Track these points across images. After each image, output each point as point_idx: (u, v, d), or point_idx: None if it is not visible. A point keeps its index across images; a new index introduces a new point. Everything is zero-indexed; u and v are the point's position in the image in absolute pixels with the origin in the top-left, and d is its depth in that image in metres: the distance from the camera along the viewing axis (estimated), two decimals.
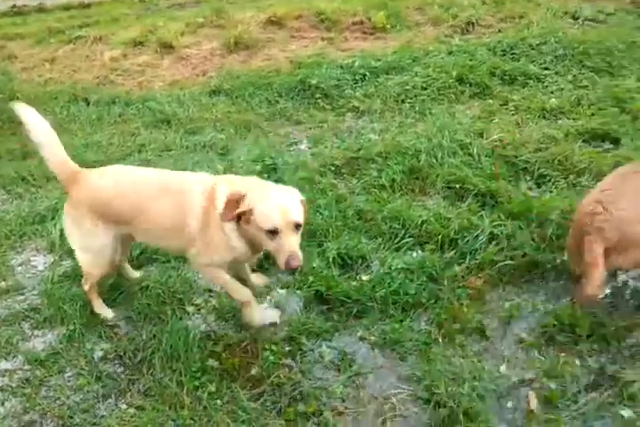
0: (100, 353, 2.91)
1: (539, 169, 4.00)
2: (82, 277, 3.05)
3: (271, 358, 2.81)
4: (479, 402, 2.51)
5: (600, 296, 2.91)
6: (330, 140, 4.85)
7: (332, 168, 4.34)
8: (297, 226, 2.48)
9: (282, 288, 3.27)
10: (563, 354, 2.73)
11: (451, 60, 5.97)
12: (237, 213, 2.52)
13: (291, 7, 8.09)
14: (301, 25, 7.90)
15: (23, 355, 2.92)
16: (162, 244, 2.97)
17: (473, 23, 7.31)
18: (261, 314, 2.99)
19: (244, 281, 3.04)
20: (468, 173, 3.97)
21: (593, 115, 4.76)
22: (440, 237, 3.44)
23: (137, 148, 5.01)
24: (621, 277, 3.13)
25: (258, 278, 3.26)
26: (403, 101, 5.35)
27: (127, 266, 3.33)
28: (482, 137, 4.45)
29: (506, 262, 3.23)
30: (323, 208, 3.82)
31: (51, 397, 2.70)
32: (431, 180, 4.02)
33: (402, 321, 2.98)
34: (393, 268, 3.27)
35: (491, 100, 5.26)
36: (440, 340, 2.86)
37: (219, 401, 2.60)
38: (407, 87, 5.53)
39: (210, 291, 3.28)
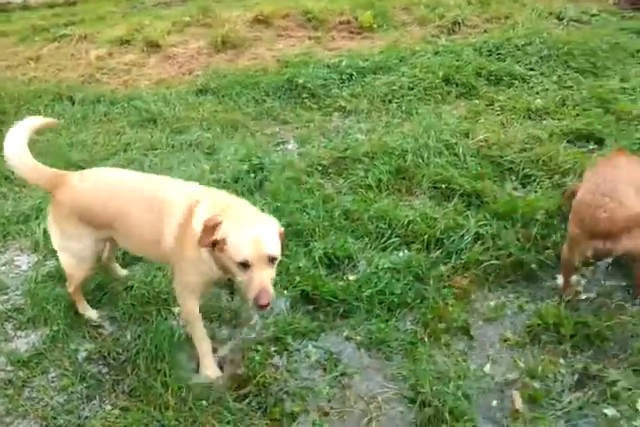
0: (85, 354, 2.88)
1: (524, 169, 4.03)
2: (66, 277, 3.01)
3: (257, 358, 2.80)
4: (464, 401, 2.52)
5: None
6: (317, 139, 4.85)
7: (319, 168, 4.34)
8: (271, 259, 2.30)
9: None
10: (547, 354, 2.75)
11: (437, 61, 6.00)
12: (212, 241, 2.35)
13: (278, 6, 8.07)
14: (288, 24, 7.88)
15: (6, 356, 2.88)
16: (141, 252, 2.90)
17: (459, 23, 7.35)
18: (214, 369, 2.77)
19: None
20: (453, 173, 3.99)
21: (577, 115, 4.81)
22: (426, 236, 3.45)
23: (122, 147, 4.96)
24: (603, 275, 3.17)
25: None
26: (389, 101, 5.36)
27: (115, 265, 3.31)
28: (467, 137, 4.47)
29: (491, 262, 3.25)
30: (310, 208, 3.82)
31: (34, 398, 2.67)
32: (417, 180, 4.03)
33: (388, 321, 2.98)
34: (379, 267, 3.27)
35: (477, 101, 5.29)
36: (426, 339, 2.87)
37: (204, 402, 2.57)
38: (394, 87, 5.54)
39: None
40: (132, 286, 3.21)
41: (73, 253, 2.84)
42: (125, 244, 2.85)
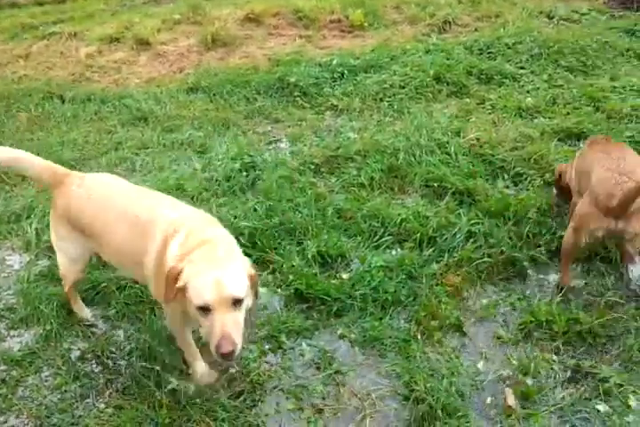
0: (78, 353, 2.88)
1: (515, 168, 4.06)
2: (59, 276, 3.00)
3: (251, 356, 2.82)
4: (457, 398, 2.55)
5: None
6: (309, 138, 4.85)
7: (312, 166, 4.34)
8: (235, 302, 2.09)
9: (262, 286, 3.26)
10: (539, 351, 2.78)
11: (428, 59, 6.01)
12: (176, 291, 2.18)
13: (268, 4, 8.06)
14: (279, 22, 7.87)
15: None
16: (125, 272, 2.83)
17: (450, 22, 7.38)
18: (206, 373, 2.69)
19: None
20: (445, 171, 4.01)
21: (568, 114, 4.85)
22: (419, 235, 3.47)
23: (114, 146, 4.94)
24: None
25: None
26: (381, 100, 5.37)
27: None
28: (459, 136, 4.50)
29: (483, 260, 3.28)
30: (302, 207, 3.82)
31: (28, 397, 2.67)
32: (410, 178, 4.05)
33: (381, 319, 3.00)
34: (372, 266, 3.29)
35: (468, 99, 5.31)
36: (419, 337, 2.89)
37: (198, 400, 2.59)
38: (385, 86, 5.55)
39: None
40: (125, 286, 3.20)
41: (66, 253, 2.82)
42: (109, 259, 2.77)
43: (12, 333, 3.03)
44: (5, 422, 2.57)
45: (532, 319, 2.91)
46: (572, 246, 3.02)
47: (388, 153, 4.30)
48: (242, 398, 2.63)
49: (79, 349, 2.90)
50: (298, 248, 3.50)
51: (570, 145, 4.43)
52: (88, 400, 2.65)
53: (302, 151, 4.60)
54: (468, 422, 2.45)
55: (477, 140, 4.39)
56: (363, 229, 3.61)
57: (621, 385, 2.57)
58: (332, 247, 3.45)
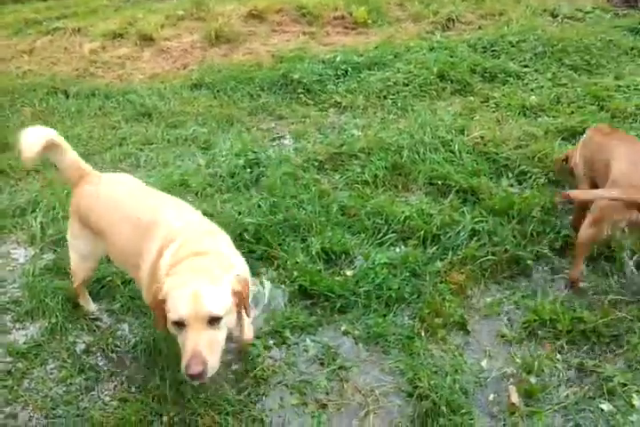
0: (83, 346, 2.90)
1: (519, 166, 4.05)
2: (64, 270, 3.02)
3: (255, 351, 2.83)
4: (461, 395, 2.55)
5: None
6: (313, 135, 4.84)
7: (315, 163, 4.34)
8: (212, 320, 1.97)
9: (267, 280, 3.27)
10: (543, 349, 2.78)
11: (432, 57, 5.99)
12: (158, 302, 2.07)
13: (272, 1, 8.02)
14: (283, 19, 7.84)
15: (4, 347, 2.90)
16: (129, 273, 2.75)
17: (453, 20, 7.35)
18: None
19: None
20: (449, 169, 4.00)
21: (572, 113, 4.84)
22: (422, 232, 3.46)
23: (118, 141, 4.94)
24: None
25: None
26: (385, 97, 5.36)
27: None
28: (463, 134, 4.48)
29: (487, 258, 3.27)
30: (306, 203, 3.82)
31: (33, 389, 2.69)
32: (413, 176, 4.05)
33: (385, 316, 3.01)
34: (376, 263, 3.29)
35: (471, 97, 5.30)
36: (422, 334, 2.90)
37: (203, 394, 2.59)
38: (389, 83, 5.54)
39: None
40: (130, 280, 3.20)
41: (77, 250, 2.81)
42: (114, 259, 2.76)
43: (17, 325, 3.05)
44: (12, 412, 2.59)
45: (536, 318, 2.91)
46: (591, 238, 3.01)
47: (391, 151, 4.29)
48: (246, 393, 2.64)
49: (84, 342, 2.92)
50: (302, 245, 3.50)
51: (574, 144, 4.40)
52: (93, 393, 2.66)
53: (306, 148, 4.59)
54: (471, 419, 2.46)
55: (481, 138, 4.38)
56: (367, 226, 3.61)
57: (625, 384, 2.57)
58: (335, 244, 3.45)
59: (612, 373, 2.61)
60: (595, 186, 3.29)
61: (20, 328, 3.03)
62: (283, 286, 3.26)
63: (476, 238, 3.40)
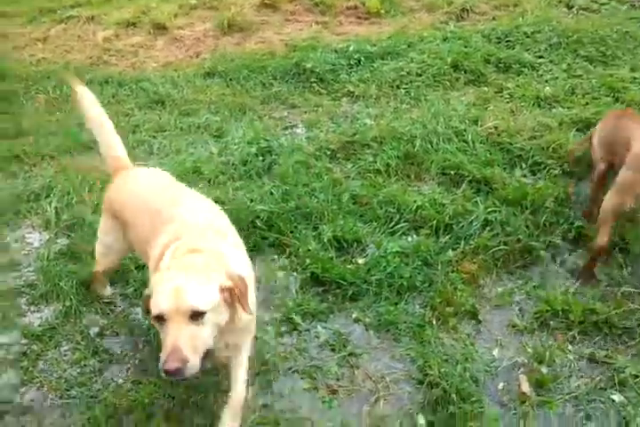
0: (97, 329, 2.92)
1: (533, 157, 4.00)
2: (80, 254, 3.03)
3: (266, 337, 2.83)
4: (472, 383, 2.55)
5: None
6: (325, 124, 4.81)
7: (328, 152, 4.31)
8: (195, 315, 1.84)
9: (279, 270, 3.26)
10: (555, 340, 2.76)
11: (446, 47, 5.91)
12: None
13: None
14: (296, 8, 7.76)
15: (20, 329, 2.92)
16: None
17: (467, 10, 7.23)
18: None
19: None
20: (462, 159, 3.96)
21: (587, 104, 4.76)
22: (435, 222, 3.44)
23: (131, 128, 4.92)
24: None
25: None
26: (398, 87, 5.30)
27: None
28: (476, 124, 4.43)
29: (500, 248, 3.25)
30: (318, 192, 3.81)
31: (48, 370, 2.71)
32: (426, 165, 4.01)
33: (396, 304, 3.00)
34: (388, 251, 3.27)
35: (485, 88, 5.23)
36: (434, 322, 2.89)
37: (215, 377, 2.59)
38: (402, 73, 5.47)
39: None
40: (144, 265, 3.20)
41: (103, 242, 2.78)
42: (136, 251, 2.69)
43: (32, 308, 3.06)
44: (27, 393, 2.61)
45: (548, 308, 2.89)
46: (614, 206, 3.03)
47: (404, 140, 4.25)
48: (258, 378, 2.64)
49: (98, 325, 2.93)
50: (314, 233, 3.49)
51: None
52: (106, 375, 2.68)
53: (318, 137, 4.56)
54: (481, 407, 2.45)
55: (495, 128, 4.33)
56: (378, 215, 3.59)
57: (637, 376, 2.56)
58: (347, 232, 3.43)
59: (623, 364, 2.60)
60: (612, 169, 3.30)
61: (34, 311, 3.05)
62: (294, 273, 3.26)
63: (488, 228, 3.38)
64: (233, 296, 1.97)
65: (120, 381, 2.64)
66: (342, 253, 3.37)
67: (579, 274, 3.12)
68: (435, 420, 2.41)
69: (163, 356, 1.79)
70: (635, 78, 5.12)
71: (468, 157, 4.01)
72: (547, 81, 5.32)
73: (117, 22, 7.55)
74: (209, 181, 4.05)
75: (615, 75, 5.20)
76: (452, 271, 3.16)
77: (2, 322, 2.98)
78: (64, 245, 3.45)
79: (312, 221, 3.58)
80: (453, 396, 2.46)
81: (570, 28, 6.18)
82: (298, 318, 2.95)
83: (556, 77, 5.37)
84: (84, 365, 2.72)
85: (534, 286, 3.09)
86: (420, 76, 5.41)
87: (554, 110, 4.76)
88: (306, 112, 5.11)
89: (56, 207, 3.77)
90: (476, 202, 3.57)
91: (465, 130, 4.30)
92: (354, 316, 2.97)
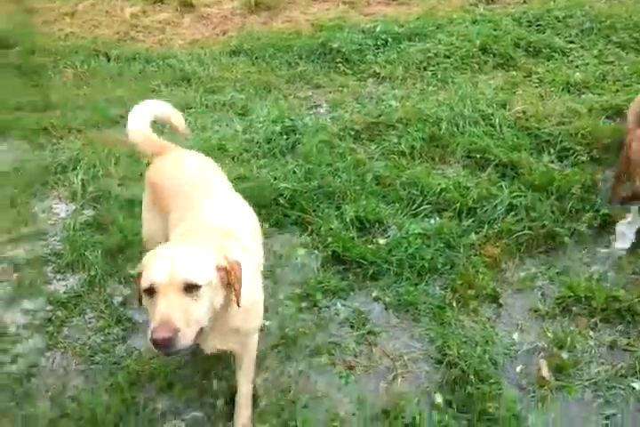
0: (120, 298, 2.95)
1: (561, 142, 3.89)
2: (105, 225, 3.05)
3: (286, 312, 2.83)
4: (490, 365, 2.52)
5: None
6: (350, 104, 4.74)
7: (352, 133, 4.25)
8: (188, 287, 1.72)
9: (301, 247, 3.25)
10: (577, 325, 2.72)
11: (475, 30, 5.75)
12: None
13: None
14: None
15: (45, 296, 2.97)
16: None
17: None
18: None
19: None
20: (489, 143, 3.88)
21: (618, 91, 4.62)
22: (458, 205, 3.39)
23: None
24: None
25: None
26: (425, 69, 5.20)
27: None
28: (504, 108, 4.32)
29: (524, 233, 3.19)
30: (341, 171, 3.78)
31: (72, 336, 2.76)
32: (451, 148, 3.94)
33: (417, 284, 2.97)
34: (410, 233, 3.23)
35: (514, 72, 5.10)
36: (454, 304, 2.86)
37: None
38: (430, 55, 5.36)
39: None
40: None
41: (145, 217, 2.68)
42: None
43: (58, 276, 3.11)
44: (52, 357, 2.66)
45: (571, 294, 2.84)
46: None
47: (430, 122, 4.17)
48: (276, 351, 2.65)
49: (122, 295, 2.96)
50: (336, 212, 3.46)
51: (619, 123, 4.23)
52: (129, 343, 2.72)
53: (343, 117, 4.50)
54: (500, 388, 2.43)
55: (523, 113, 4.23)
56: (401, 196, 3.55)
57: None
58: (370, 213, 3.40)
59: None
60: None
61: (60, 279, 3.09)
62: (316, 251, 3.24)
63: (513, 213, 3.31)
64: (230, 278, 1.84)
65: (142, 349, 2.66)
66: (364, 233, 3.34)
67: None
68: (452, 399, 2.40)
69: (152, 326, 1.65)
70: None
71: (494, 140, 3.93)
72: (577, 66, 5.16)
73: None
74: (233, 159, 4.04)
75: None
76: (475, 255, 3.11)
77: (28, 289, 3.03)
78: (90, 217, 3.48)
79: (334, 201, 3.55)
80: (472, 377, 2.44)
81: (602, 13, 5.98)
82: (318, 295, 2.94)
83: (587, 63, 5.21)
84: (108, 332, 2.76)
85: (557, 272, 3.03)
86: (448, 58, 5.29)
87: (583, 96, 4.63)
88: (331, 92, 5.05)
89: (82, 179, 3.80)
90: (501, 186, 3.51)
91: (492, 114, 4.21)
92: (374, 295, 2.95)
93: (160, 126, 4.44)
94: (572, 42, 5.62)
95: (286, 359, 2.62)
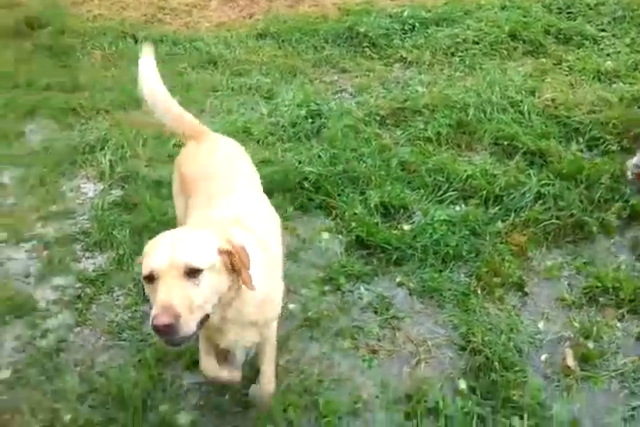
0: None
1: (591, 131, 3.78)
2: (133, 205, 3.04)
3: (309, 294, 2.81)
4: (515, 353, 2.48)
5: None
6: (376, 89, 4.65)
7: (377, 118, 4.18)
8: (190, 272, 1.61)
9: (325, 231, 3.22)
10: (603, 316, 2.66)
11: (504, 15, 5.58)
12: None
13: None
14: None
15: (75, 274, 2.98)
16: None
17: None
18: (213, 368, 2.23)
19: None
20: (517, 130, 3.78)
21: None
22: (485, 192, 3.31)
23: (184, 87, 4.86)
24: None
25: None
26: (452, 54, 5.07)
27: None
28: (533, 95, 4.21)
29: (551, 222, 3.11)
30: (366, 157, 3.72)
31: (100, 313, 2.77)
32: (479, 135, 3.85)
33: (441, 271, 2.93)
34: (435, 219, 3.17)
35: (544, 59, 4.95)
36: (479, 292, 2.81)
37: None
38: (458, 40, 5.22)
39: None
40: None
41: (175, 201, 2.60)
42: None
43: (86, 254, 3.12)
44: (80, 333, 2.69)
45: (598, 284, 2.77)
46: None
47: (457, 108, 4.08)
48: (299, 331, 2.63)
49: None
50: (360, 197, 3.42)
51: None
52: None
53: (368, 102, 4.42)
54: (524, 376, 2.39)
55: (553, 100, 4.11)
56: (427, 182, 3.48)
57: None
58: (394, 198, 3.35)
59: None
60: None
61: (88, 257, 3.10)
62: (340, 235, 3.21)
63: (540, 201, 3.24)
64: (233, 262, 1.73)
65: None
66: (388, 218, 3.29)
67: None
68: (476, 386, 2.37)
69: (152, 312, 1.55)
70: None
71: (522, 128, 3.83)
72: (608, 55, 5.00)
73: None
74: (258, 142, 4.00)
75: None
76: (501, 243, 3.05)
77: (58, 266, 3.05)
78: (118, 196, 3.48)
79: (359, 186, 3.50)
80: (496, 364, 2.40)
81: (635, 1, 5.76)
82: (341, 279, 2.91)
83: (619, 52, 5.04)
84: (135, 310, 2.76)
85: (584, 262, 2.96)
86: (477, 44, 5.15)
87: (614, 85, 4.48)
88: (357, 77, 4.96)
89: (110, 160, 3.79)
90: (529, 174, 3.42)
91: (521, 101, 4.10)
92: (397, 280, 2.92)
93: (197, 110, 4.50)
94: (603, 30, 5.44)
95: (309, 341, 2.60)
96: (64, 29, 6.11)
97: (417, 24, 5.60)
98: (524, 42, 5.18)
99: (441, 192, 3.42)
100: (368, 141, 3.89)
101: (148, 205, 3.28)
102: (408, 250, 3.03)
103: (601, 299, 2.73)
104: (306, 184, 3.47)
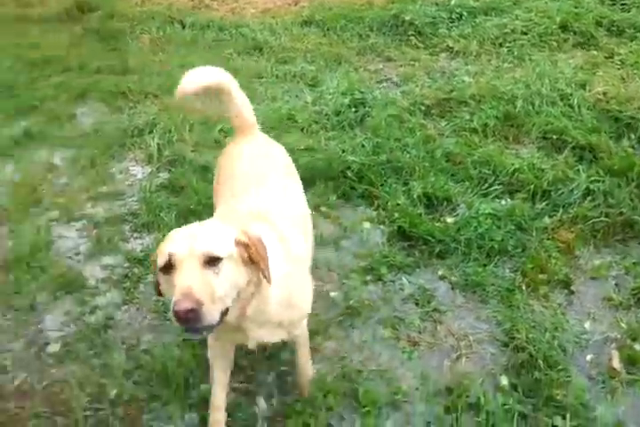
0: None
1: None
2: (180, 188, 3.04)
3: (352, 284, 2.77)
4: (560, 352, 2.39)
5: None
6: (421, 79, 4.53)
7: (422, 108, 4.07)
8: (211, 260, 1.55)
9: (367, 221, 3.16)
10: None
11: (554, 6, 5.36)
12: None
13: None
14: None
15: (123, 254, 3.00)
16: None
17: None
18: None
19: None
20: (567, 124, 3.62)
21: None
22: (532, 187, 3.19)
23: (230, 73, 4.81)
24: None
25: None
26: (500, 45, 4.89)
27: None
28: (584, 89, 4.02)
29: (600, 219, 2.98)
30: (410, 147, 3.63)
31: (147, 293, 2.77)
32: (527, 128, 3.71)
33: (485, 265, 2.83)
34: (480, 213, 3.07)
35: (595, 52, 4.73)
36: (524, 288, 2.71)
37: None
38: (506, 30, 5.04)
39: None
40: None
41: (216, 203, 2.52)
42: None
43: (135, 235, 3.14)
44: (127, 311, 2.71)
45: None
46: None
47: (504, 100, 3.94)
48: (339, 320, 2.60)
49: None
50: (404, 187, 3.34)
51: None
52: None
53: (413, 92, 4.31)
54: (568, 376, 2.29)
55: (604, 94, 3.92)
56: (472, 175, 3.38)
57: None
58: (438, 190, 3.26)
59: None
60: None
61: (137, 238, 3.12)
62: (382, 225, 3.15)
63: (589, 198, 3.10)
64: (251, 255, 1.66)
65: None
66: (431, 210, 3.21)
67: None
68: (518, 383, 2.29)
69: (173, 300, 1.48)
70: None
71: (572, 122, 3.66)
72: None
73: None
74: (302, 130, 3.95)
75: None
76: (547, 239, 2.93)
77: (107, 245, 3.08)
78: (165, 179, 3.49)
79: (402, 176, 3.42)
80: (540, 362, 2.32)
81: None
82: (383, 269, 2.86)
83: None
84: None
85: (634, 262, 2.82)
86: (526, 34, 4.96)
87: None
88: (402, 66, 4.84)
89: (158, 143, 3.80)
90: (579, 170, 3.28)
91: (571, 94, 3.92)
92: (440, 273, 2.84)
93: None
94: None
95: (350, 329, 2.57)
96: (113, 14, 6.16)
97: (464, 13, 5.43)
98: (575, 33, 4.97)
99: (486, 185, 3.31)
100: (412, 131, 3.79)
101: (194, 189, 3.28)
102: (451, 243, 2.94)
103: None
104: (349, 173, 3.41)
